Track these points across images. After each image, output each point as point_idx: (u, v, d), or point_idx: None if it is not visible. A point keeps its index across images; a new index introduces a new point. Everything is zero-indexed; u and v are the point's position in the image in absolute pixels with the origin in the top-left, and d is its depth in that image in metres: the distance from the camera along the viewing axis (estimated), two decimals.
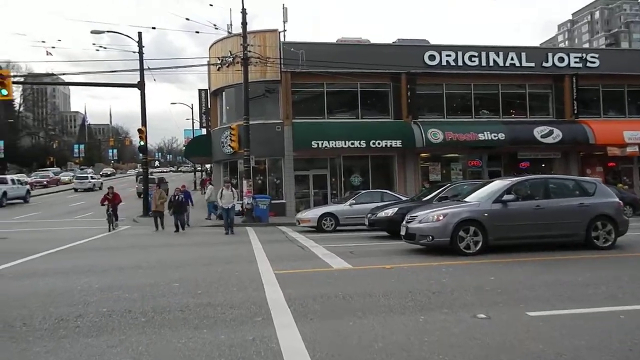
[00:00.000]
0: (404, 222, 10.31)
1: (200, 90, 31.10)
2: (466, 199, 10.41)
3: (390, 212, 12.98)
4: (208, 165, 39.84)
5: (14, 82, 23.30)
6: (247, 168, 21.58)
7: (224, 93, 27.15)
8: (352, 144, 23.67)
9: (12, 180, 32.94)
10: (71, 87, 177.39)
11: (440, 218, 9.45)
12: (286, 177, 24.63)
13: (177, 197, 17.75)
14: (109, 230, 17.39)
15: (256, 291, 6.79)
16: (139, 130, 24.44)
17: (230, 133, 22.32)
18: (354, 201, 16.46)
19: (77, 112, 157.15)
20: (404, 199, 16.56)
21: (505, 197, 9.54)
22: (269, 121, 24.55)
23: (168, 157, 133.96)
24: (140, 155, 25.67)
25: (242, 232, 16.87)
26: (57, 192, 46.80)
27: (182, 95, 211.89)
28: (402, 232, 10.22)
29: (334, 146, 23.55)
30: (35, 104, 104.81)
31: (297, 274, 8.14)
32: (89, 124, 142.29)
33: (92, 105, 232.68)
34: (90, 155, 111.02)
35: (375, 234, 14.79)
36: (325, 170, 25.49)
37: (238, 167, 25.67)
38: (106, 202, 18.31)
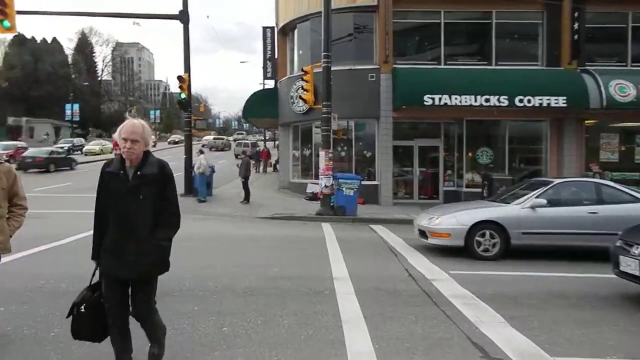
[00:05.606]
0: None
1: (264, 29, 23.32)
2: None
3: None
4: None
5: (18, 12, 17.41)
6: (326, 132, 13.97)
7: (295, 30, 19.64)
8: (487, 100, 15.35)
9: None
10: (155, 57, 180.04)
11: None
12: (381, 149, 16.90)
13: None
14: None
15: None
16: (179, 78, 17.64)
17: (303, 79, 14.87)
18: (543, 200, 8.03)
19: (160, 80, 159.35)
20: None
21: None
22: (358, 67, 16.86)
23: (245, 126, 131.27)
24: (184, 113, 18.82)
25: (316, 239, 9.49)
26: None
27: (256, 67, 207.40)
28: None
29: (458, 103, 15.37)
30: (118, 70, 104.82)
31: None
32: (171, 92, 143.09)
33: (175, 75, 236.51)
34: (169, 122, 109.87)
35: (613, 280, 6.35)
36: (437, 140, 17.46)
37: (313, 134, 18.36)
38: None
